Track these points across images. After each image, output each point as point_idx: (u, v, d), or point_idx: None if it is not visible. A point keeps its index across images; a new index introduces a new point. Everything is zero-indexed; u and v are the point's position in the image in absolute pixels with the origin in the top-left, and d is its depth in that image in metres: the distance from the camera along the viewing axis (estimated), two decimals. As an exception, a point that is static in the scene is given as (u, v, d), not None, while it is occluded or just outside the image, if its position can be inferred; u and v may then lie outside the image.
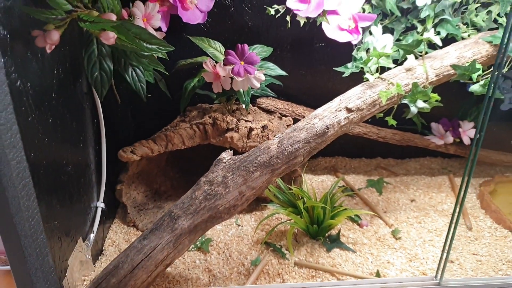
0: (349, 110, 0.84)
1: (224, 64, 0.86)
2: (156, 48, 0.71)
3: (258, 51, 0.98)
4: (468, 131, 1.21)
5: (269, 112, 1.09)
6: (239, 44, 0.86)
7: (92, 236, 0.83)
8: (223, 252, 0.92)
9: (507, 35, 0.59)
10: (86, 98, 0.83)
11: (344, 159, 1.33)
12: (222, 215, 0.75)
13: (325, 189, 1.15)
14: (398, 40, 1.02)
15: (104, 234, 0.95)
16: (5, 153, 0.50)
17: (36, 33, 0.58)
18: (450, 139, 1.20)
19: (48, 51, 0.60)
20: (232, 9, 1.07)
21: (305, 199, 0.93)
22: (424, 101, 0.92)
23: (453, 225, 0.75)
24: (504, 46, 0.61)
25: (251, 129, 0.96)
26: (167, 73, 0.90)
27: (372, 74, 0.89)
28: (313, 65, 1.13)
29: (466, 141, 1.20)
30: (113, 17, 0.63)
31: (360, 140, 1.24)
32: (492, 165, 1.29)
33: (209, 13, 1.01)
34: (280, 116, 1.09)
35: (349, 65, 0.93)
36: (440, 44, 0.93)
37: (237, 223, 1.02)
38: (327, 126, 0.80)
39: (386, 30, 1.02)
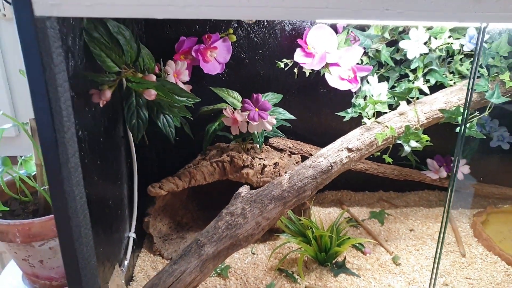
0: (349, 150, 0.96)
1: (241, 111, 1.00)
2: (186, 100, 0.86)
3: (270, 98, 1.12)
4: (461, 167, 1.32)
5: (280, 150, 1.22)
6: (254, 94, 1.00)
7: (126, 262, 0.94)
8: (241, 277, 1.03)
9: (471, 82, 0.73)
10: (122, 141, 0.96)
11: (349, 193, 1.45)
12: (242, 242, 0.87)
13: (331, 220, 1.26)
14: (393, 87, 1.16)
15: (134, 261, 1.06)
16: (73, 190, 0.62)
17: (93, 92, 0.72)
18: (444, 173, 1.32)
19: (101, 105, 0.73)
20: (247, 60, 1.22)
21: (313, 229, 1.04)
22: (416, 141, 1.04)
23: (439, 250, 0.86)
24: (470, 91, 0.75)
25: (264, 166, 1.09)
26: (191, 118, 1.04)
27: (369, 119, 1.03)
28: (318, 108, 1.27)
29: (460, 176, 1.31)
30: (153, 78, 0.77)
31: (363, 175, 1.35)
32: (485, 197, 1.40)
33: (226, 64, 1.16)
34: (290, 153, 1.22)
35: (349, 110, 1.07)
36: (427, 91, 1.07)
37: (253, 252, 1.12)
38: (331, 164, 0.93)
39: (382, 78, 1.17)
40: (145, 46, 1.15)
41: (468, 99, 0.76)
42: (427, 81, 1.13)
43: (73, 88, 0.66)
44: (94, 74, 0.71)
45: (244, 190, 0.91)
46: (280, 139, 1.22)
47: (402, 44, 1.09)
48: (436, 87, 1.13)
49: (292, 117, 1.12)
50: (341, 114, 1.08)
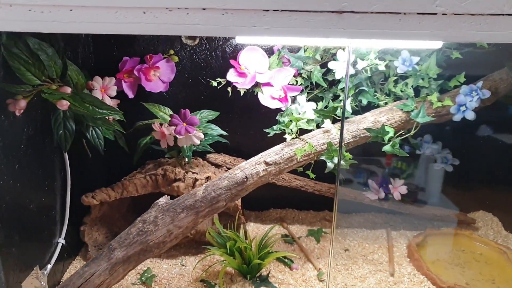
0: (267, 163, 1.01)
1: (170, 125, 1.06)
2: (107, 112, 0.92)
3: (205, 114, 1.18)
4: (399, 187, 1.36)
5: (217, 165, 1.27)
6: (182, 109, 1.06)
7: (49, 266, 0.98)
8: (164, 287, 1.06)
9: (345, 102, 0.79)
10: (55, 151, 1.02)
11: (294, 211, 1.48)
12: (153, 249, 0.91)
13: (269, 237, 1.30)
14: (326, 107, 1.22)
15: (65, 268, 1.10)
16: None
17: (9, 101, 0.79)
18: (382, 194, 1.36)
19: (18, 114, 0.80)
20: (190, 80, 1.29)
21: (236, 241, 1.08)
22: (341, 159, 1.09)
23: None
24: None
25: (196, 180, 1.14)
26: (124, 132, 1.10)
27: (291, 135, 1.08)
28: (259, 126, 1.32)
29: (397, 196, 1.35)
30: (68, 90, 0.84)
31: (308, 194, 1.39)
32: (428, 219, 1.43)
33: (170, 83, 1.23)
34: (227, 169, 1.27)
35: (275, 127, 1.13)
36: (350, 111, 1.13)
37: (182, 263, 1.16)
38: (246, 176, 0.98)
39: (317, 98, 1.23)
40: (95, 65, 1.24)
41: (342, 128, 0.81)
42: (360, 101, 1.18)
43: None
44: (8, 84, 0.77)
45: (163, 200, 0.96)
46: (217, 155, 1.28)
47: (330, 65, 1.16)
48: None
49: (223, 133, 1.18)
50: (267, 130, 1.14)
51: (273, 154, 1.03)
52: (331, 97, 1.23)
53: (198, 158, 1.26)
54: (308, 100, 1.17)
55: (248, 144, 1.34)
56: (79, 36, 1.14)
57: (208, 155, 1.26)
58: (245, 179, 0.97)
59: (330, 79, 1.21)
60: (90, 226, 1.16)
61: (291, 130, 1.10)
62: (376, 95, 1.20)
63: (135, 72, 1.18)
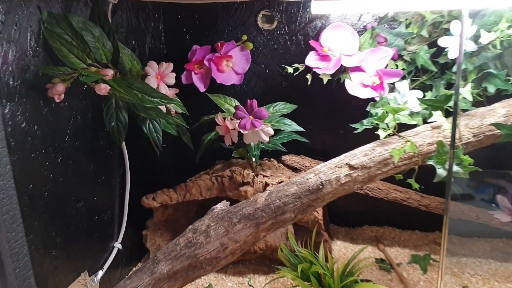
0: (351, 167, 0.78)
1: (234, 118, 0.90)
2: (159, 101, 0.79)
3: (279, 108, 1.00)
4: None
5: (295, 169, 1.07)
6: (248, 100, 0.90)
7: (100, 272, 0.89)
8: (226, 309, 0.90)
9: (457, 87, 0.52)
10: (112, 147, 0.93)
11: (394, 230, 1.21)
12: (203, 265, 0.75)
13: (358, 259, 1.05)
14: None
15: (123, 275, 1.00)
16: None
17: (48, 86, 0.70)
18: (517, 215, 1.01)
19: (57, 100, 0.71)
20: (267, 71, 1.12)
21: (313, 264, 0.87)
22: (457, 164, 0.81)
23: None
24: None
25: (266, 184, 0.96)
26: (187, 127, 0.97)
27: (386, 131, 0.83)
28: (346, 122, 1.09)
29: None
30: (109, 73, 0.73)
31: (413, 209, 1.11)
32: None
33: (245, 75, 1.08)
34: (307, 175, 1.06)
35: (365, 121, 0.89)
36: (470, 100, 0.84)
37: (249, 283, 0.98)
38: (321, 182, 0.76)
39: (425, 87, 0.96)
40: (166, 57, 1.15)
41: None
42: (484, 89, 0.89)
43: (15, 79, 0.65)
44: (43, 66, 0.69)
45: (220, 205, 0.80)
46: (295, 156, 1.08)
47: (441, 41, 0.89)
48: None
49: (300, 129, 0.98)
50: (355, 126, 0.90)
51: (360, 155, 0.80)
52: (443, 85, 0.95)
53: (272, 159, 1.08)
54: (412, 89, 0.91)
55: (335, 145, 1.12)
56: (147, 25, 1.05)
57: (284, 157, 1.07)
58: (320, 186, 0.76)
59: (441, 61, 0.93)
60: (153, 231, 1.06)
61: (386, 125, 0.85)
62: (509, 79, 0.88)
63: (206, 62, 1.05)
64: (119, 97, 0.75)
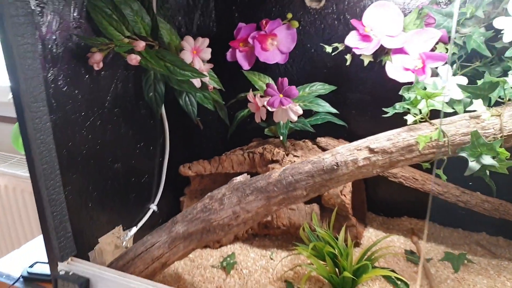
0: (371, 150, 0.76)
1: (265, 96, 0.92)
2: (190, 74, 0.84)
3: (316, 88, 1.00)
4: None
5: (328, 152, 1.06)
6: (280, 78, 0.91)
7: (134, 228, 0.97)
8: (244, 277, 0.93)
9: None
10: (153, 117, 1.00)
11: (435, 225, 1.14)
12: (217, 230, 0.79)
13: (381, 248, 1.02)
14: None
15: (157, 235, 1.08)
16: (34, 135, 0.68)
17: (89, 55, 0.78)
18: None
19: (96, 68, 0.79)
20: (313, 50, 1.11)
21: (328, 244, 0.87)
22: (493, 157, 0.75)
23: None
24: None
25: (294, 164, 0.97)
26: (223, 103, 1.01)
27: (415, 116, 0.79)
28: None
29: None
30: (141, 44, 0.78)
31: (460, 206, 1.05)
32: None
33: (290, 54, 1.08)
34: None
35: (397, 105, 0.85)
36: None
37: (271, 256, 1.01)
38: (337, 163, 0.75)
39: (478, 74, 0.89)
40: (217, 35, 1.19)
41: None
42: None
43: (58, 47, 0.73)
44: (83, 36, 0.76)
45: (240, 178, 0.83)
46: (331, 139, 1.06)
47: (497, 22, 0.81)
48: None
49: (333, 110, 0.97)
50: (387, 109, 0.86)
51: (383, 139, 0.78)
52: (499, 72, 0.87)
53: (307, 140, 1.08)
54: (463, 75, 0.85)
55: (378, 131, 1.08)
56: (196, 2, 1.10)
57: (319, 139, 1.06)
58: (335, 167, 0.75)
59: (498, 46, 0.86)
60: (190, 198, 1.12)
61: (419, 110, 0.81)
62: None
63: (250, 40, 1.07)
64: (151, 68, 0.80)
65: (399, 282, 0.89)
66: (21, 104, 0.61)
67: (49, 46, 0.71)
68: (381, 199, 1.19)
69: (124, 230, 0.96)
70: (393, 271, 0.90)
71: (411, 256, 0.99)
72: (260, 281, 0.92)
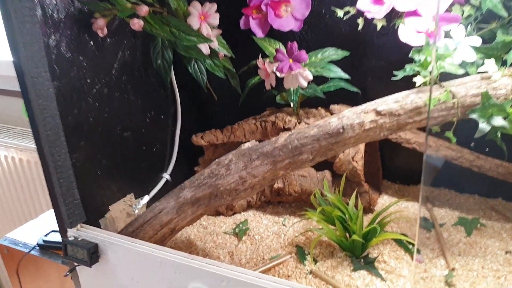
0: (378, 113, 0.75)
1: (274, 61, 0.90)
2: (196, 39, 0.83)
3: (328, 53, 0.97)
4: None
5: (340, 118, 1.04)
6: (289, 42, 0.89)
7: (146, 196, 0.99)
8: (255, 243, 0.95)
9: None
10: (163, 86, 1.00)
11: (451, 192, 1.12)
12: (224, 195, 0.79)
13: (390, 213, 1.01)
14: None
15: (171, 203, 1.10)
16: (36, 101, 0.69)
17: (92, 21, 0.78)
18: None
19: (100, 35, 0.79)
20: (328, 16, 1.08)
21: (337, 209, 0.87)
22: (504, 118, 0.72)
23: None
24: None
25: (305, 131, 0.96)
26: (233, 70, 1.00)
27: (424, 78, 0.77)
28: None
29: None
30: (144, 9, 0.77)
31: (478, 173, 1.02)
32: None
33: (305, 21, 1.05)
34: (352, 124, 1.03)
35: (407, 67, 0.82)
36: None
37: (284, 222, 1.01)
38: (343, 126, 0.74)
39: (493, 36, 0.85)
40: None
41: None
42: None
43: (68, 12, 0.73)
44: (85, 1, 0.76)
45: (248, 144, 0.83)
46: (345, 106, 1.04)
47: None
48: None
49: (345, 75, 0.94)
50: (396, 72, 0.83)
51: (391, 101, 0.76)
52: (517, 34, 0.83)
53: (320, 108, 1.06)
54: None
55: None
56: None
57: (332, 106, 1.05)
58: (341, 130, 0.74)
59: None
60: (204, 168, 1.13)
61: (429, 73, 0.78)
62: None
63: (263, 7, 1.05)
64: (156, 33, 0.80)
65: (410, 246, 0.88)
66: (21, 70, 0.62)
67: (49, 10, 0.71)
68: (397, 166, 1.17)
69: (136, 198, 0.98)
70: (404, 235, 0.89)
71: (424, 222, 0.98)
72: (272, 246, 0.93)
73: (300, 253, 0.89)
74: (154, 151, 1.01)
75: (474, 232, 0.93)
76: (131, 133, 0.93)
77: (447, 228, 0.96)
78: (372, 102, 0.77)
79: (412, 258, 0.86)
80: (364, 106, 0.77)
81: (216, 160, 0.82)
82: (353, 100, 1.06)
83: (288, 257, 0.87)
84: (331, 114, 1.05)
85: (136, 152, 0.96)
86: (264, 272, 0.84)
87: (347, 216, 0.86)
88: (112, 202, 0.91)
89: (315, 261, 0.86)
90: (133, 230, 0.84)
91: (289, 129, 0.99)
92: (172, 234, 0.84)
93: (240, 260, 0.89)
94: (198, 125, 1.12)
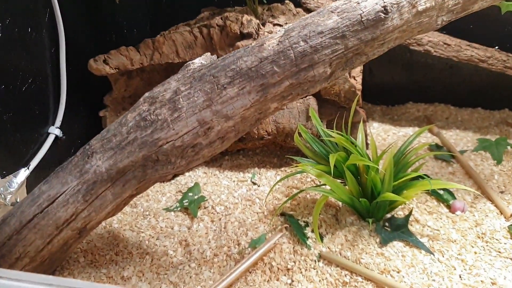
0: (439, -19, 0.42)
1: None
2: None
3: None
4: None
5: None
6: None
7: (23, 171, 0.58)
8: (219, 219, 0.61)
9: None
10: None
11: (448, 108, 0.89)
12: (171, 158, 0.43)
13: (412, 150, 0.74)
14: None
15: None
16: None
17: None
18: None
19: None
20: None
21: (352, 153, 0.56)
22: None
23: None
24: None
25: (277, 36, 0.60)
26: None
27: None
28: None
29: None
30: None
31: (476, 81, 0.79)
32: None
33: None
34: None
35: None
36: None
37: (253, 179, 0.69)
38: (385, 6, 0.40)
39: None
40: None
41: None
42: None
43: None
44: None
45: (200, 60, 0.46)
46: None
47: None
48: None
49: None
50: None
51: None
52: None
53: (288, 1, 0.70)
54: None
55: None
56: None
57: None
58: (383, 15, 0.40)
59: None
60: (114, 111, 0.74)
61: None
62: None
63: None
64: None
65: (441, 192, 0.62)
66: None
67: None
68: (378, 83, 0.90)
69: (3, 177, 0.56)
70: (426, 176, 0.63)
71: (439, 151, 0.73)
72: (246, 220, 0.60)
73: (295, 227, 0.57)
74: (26, 91, 0.59)
75: (506, 158, 0.70)
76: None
77: (469, 156, 0.73)
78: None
79: (449, 208, 0.60)
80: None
81: (146, 94, 0.44)
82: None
83: (279, 236, 0.55)
84: (305, 10, 0.70)
85: (5, 98, 0.53)
86: (249, 271, 0.52)
87: (360, 164, 0.55)
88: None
89: (321, 237, 0.56)
90: (0, 244, 0.44)
91: (250, 36, 0.62)
92: (81, 236, 0.47)
93: (203, 253, 0.56)
94: (95, 42, 0.70)
